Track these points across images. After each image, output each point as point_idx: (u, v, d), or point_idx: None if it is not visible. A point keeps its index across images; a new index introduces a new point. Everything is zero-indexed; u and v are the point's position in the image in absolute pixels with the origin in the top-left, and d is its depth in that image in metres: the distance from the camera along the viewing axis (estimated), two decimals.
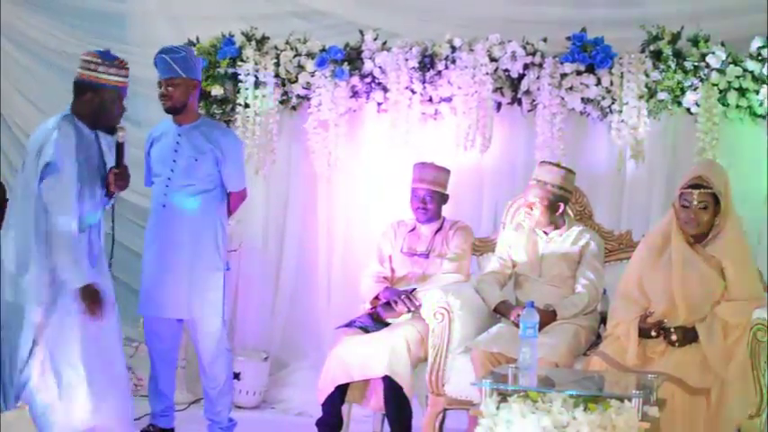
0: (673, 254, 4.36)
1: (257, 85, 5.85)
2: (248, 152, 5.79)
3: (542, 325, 4.40)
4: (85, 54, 4.34)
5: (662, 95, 5.43)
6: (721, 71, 5.33)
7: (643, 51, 5.45)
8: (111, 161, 4.39)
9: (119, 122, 4.39)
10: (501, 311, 4.81)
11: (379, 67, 5.74)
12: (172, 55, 4.84)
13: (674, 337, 4.25)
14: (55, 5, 6.60)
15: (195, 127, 4.90)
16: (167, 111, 4.89)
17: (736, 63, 5.33)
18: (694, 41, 5.41)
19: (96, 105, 4.30)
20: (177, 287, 4.80)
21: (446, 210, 5.25)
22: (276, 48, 5.92)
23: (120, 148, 4.37)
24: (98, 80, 4.29)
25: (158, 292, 4.83)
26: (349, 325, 4.97)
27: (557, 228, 4.92)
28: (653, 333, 4.29)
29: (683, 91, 5.42)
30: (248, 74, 5.84)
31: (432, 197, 5.12)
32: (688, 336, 4.26)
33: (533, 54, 5.56)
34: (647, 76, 5.40)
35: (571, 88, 5.50)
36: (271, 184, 6.07)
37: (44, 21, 6.63)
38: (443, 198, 5.17)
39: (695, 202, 4.31)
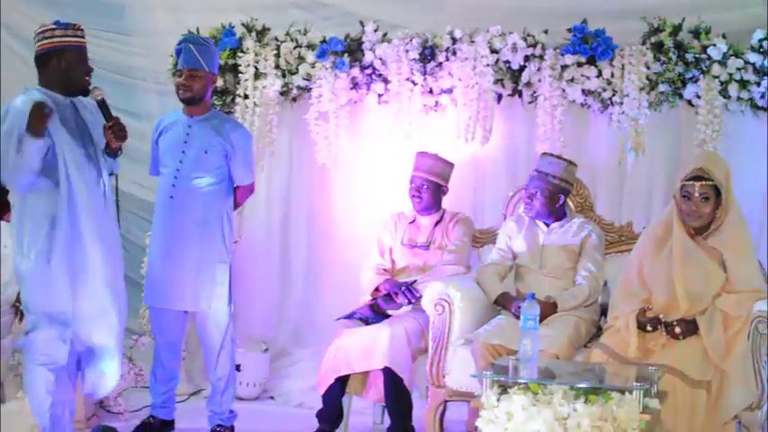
0: (674, 246, 4.35)
1: (257, 76, 5.84)
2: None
3: (543, 317, 4.40)
4: (39, 28, 4.30)
5: (663, 87, 5.42)
6: (722, 63, 5.32)
7: (644, 43, 5.44)
8: (97, 125, 4.34)
9: (88, 83, 4.33)
10: (501, 303, 4.80)
11: (380, 59, 5.72)
12: (198, 46, 4.78)
13: (677, 330, 4.25)
14: None
15: (206, 119, 4.86)
16: (184, 101, 4.83)
17: (737, 55, 5.33)
18: (695, 33, 5.40)
19: (63, 70, 4.26)
20: (185, 279, 4.79)
21: (449, 201, 5.24)
22: (276, 39, 5.89)
23: (102, 104, 4.32)
24: (59, 44, 4.25)
25: (166, 283, 4.83)
26: (349, 317, 4.97)
27: (557, 219, 4.92)
28: (649, 327, 4.29)
29: (684, 83, 5.41)
30: (248, 65, 5.82)
31: (427, 186, 5.11)
32: (689, 328, 4.26)
33: (534, 46, 5.54)
34: (647, 67, 5.39)
35: (572, 80, 5.49)
36: (272, 176, 6.06)
37: (42, 12, 6.59)
38: (440, 189, 5.15)
39: (696, 194, 4.30)
